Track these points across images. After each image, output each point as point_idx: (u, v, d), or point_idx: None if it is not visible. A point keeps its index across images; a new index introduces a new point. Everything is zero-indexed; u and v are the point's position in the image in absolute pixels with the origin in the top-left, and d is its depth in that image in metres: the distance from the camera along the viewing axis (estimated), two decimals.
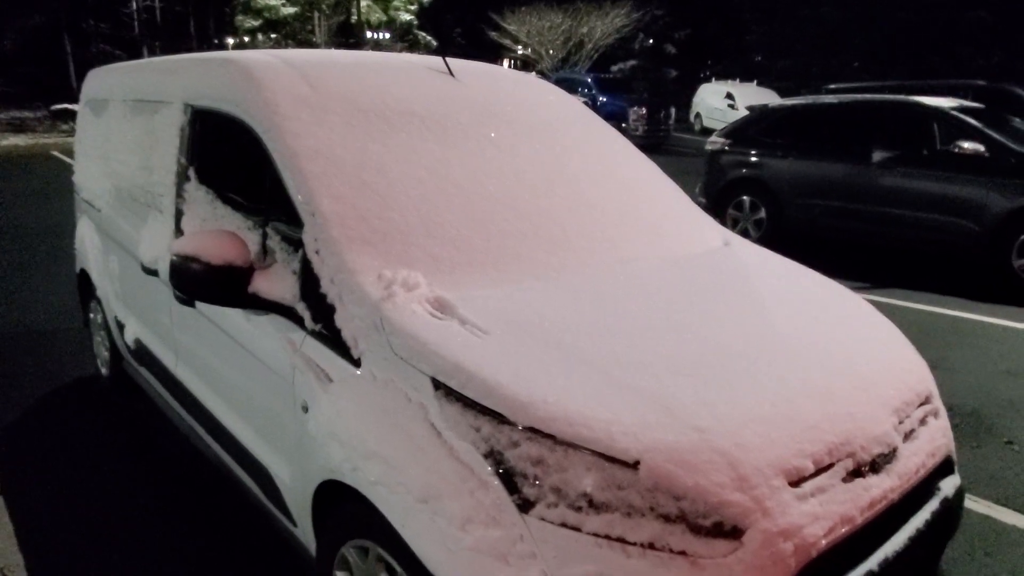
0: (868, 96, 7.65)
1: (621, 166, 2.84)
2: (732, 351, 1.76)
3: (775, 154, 7.33)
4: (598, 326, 1.79)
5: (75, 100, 15.97)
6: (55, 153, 13.97)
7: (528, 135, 2.58)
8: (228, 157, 2.44)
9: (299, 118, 2.13)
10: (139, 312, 3.08)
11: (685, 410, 1.50)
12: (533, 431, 1.43)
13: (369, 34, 27.93)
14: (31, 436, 3.36)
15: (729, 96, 20.98)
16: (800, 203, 7.13)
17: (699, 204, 4.01)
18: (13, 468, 3.08)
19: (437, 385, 1.55)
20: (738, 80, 23.21)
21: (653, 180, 2.89)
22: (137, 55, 22.96)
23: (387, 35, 28.77)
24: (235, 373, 2.29)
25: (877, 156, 6.60)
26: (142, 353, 3.08)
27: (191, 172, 2.54)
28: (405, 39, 30.43)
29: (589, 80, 22.74)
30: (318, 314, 1.84)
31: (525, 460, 1.42)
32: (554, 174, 2.50)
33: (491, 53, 32.88)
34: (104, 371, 3.77)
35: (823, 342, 1.94)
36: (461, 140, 2.36)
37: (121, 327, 3.28)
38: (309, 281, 1.88)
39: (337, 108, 2.23)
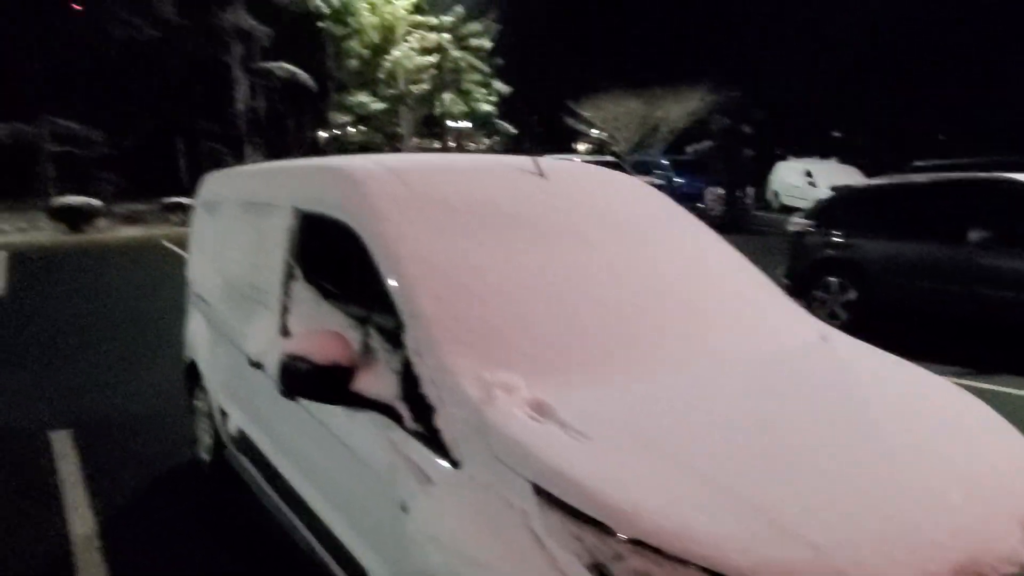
0: (961, 175, 7.40)
1: (710, 258, 2.84)
2: (840, 457, 1.69)
3: (865, 235, 7.13)
4: (697, 428, 1.76)
5: (184, 194, 17.27)
6: (165, 243, 15.11)
7: (617, 231, 2.63)
8: (332, 258, 2.59)
9: (399, 222, 2.26)
10: (242, 403, 3.23)
11: (795, 523, 1.44)
12: (639, 543, 1.40)
13: (451, 124, 29.31)
14: (136, 518, 3.52)
15: (808, 174, 20.71)
16: (893, 284, 6.85)
17: (783, 286, 3.93)
18: (119, 548, 3.21)
19: (539, 491, 1.55)
20: (817, 157, 22.94)
21: (743, 271, 2.87)
22: (240, 152, 24.88)
23: (468, 124, 30.10)
24: (334, 467, 2.35)
25: (974, 235, 6.31)
26: (243, 442, 3.21)
27: (297, 272, 2.71)
28: (485, 128, 31.71)
29: (664, 162, 23.01)
30: (418, 414, 1.89)
31: (631, 574, 1.38)
32: (644, 270, 2.53)
33: (566, 138, 33.89)
34: (206, 458, 3.93)
35: (938, 447, 1.83)
36: (552, 238, 2.43)
37: (225, 416, 3.44)
38: (410, 381, 1.94)
39: (434, 212, 2.35)
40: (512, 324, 2.03)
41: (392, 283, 2.09)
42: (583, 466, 1.55)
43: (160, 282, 10.55)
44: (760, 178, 22.97)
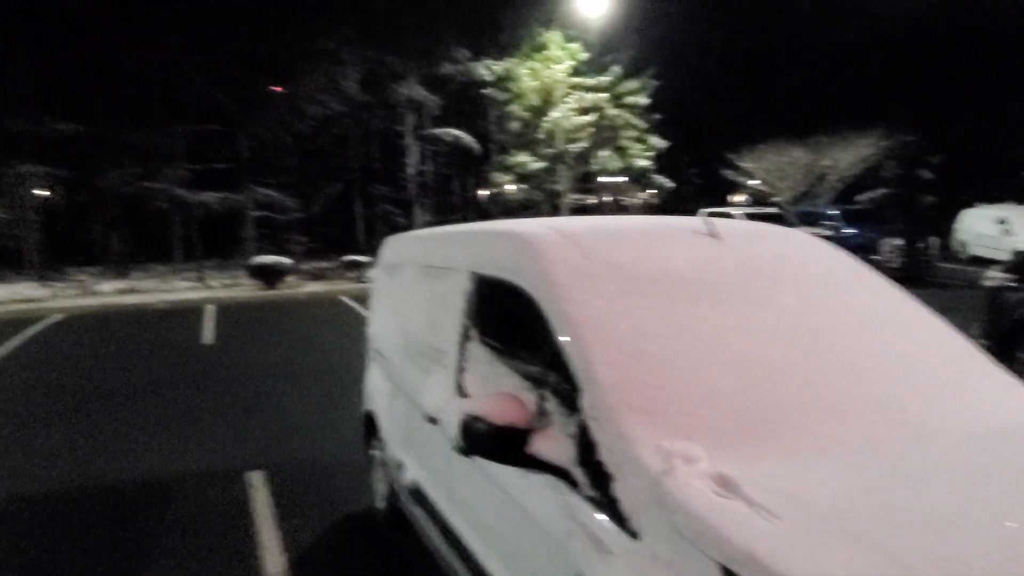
0: None
1: (902, 320, 2.61)
2: None
3: None
4: (900, 514, 1.59)
5: (360, 253, 18.75)
6: (342, 298, 16.41)
7: (799, 295, 2.50)
8: (508, 321, 2.68)
9: (575, 286, 2.30)
10: (417, 456, 3.38)
11: None
12: None
13: (607, 179, 29.60)
14: (320, 558, 3.75)
15: (1002, 221, 18.54)
16: None
17: (980, 346, 3.48)
18: None
19: (727, 573, 1.47)
20: (1012, 203, 20.48)
21: (940, 333, 2.60)
22: (410, 212, 26.71)
23: (624, 179, 30.26)
24: (507, 527, 2.38)
25: None
26: (417, 494, 3.34)
27: (473, 332, 2.83)
28: (641, 182, 31.71)
29: (833, 212, 21.65)
30: (595, 481, 1.88)
31: None
32: (830, 334, 2.37)
33: (724, 190, 32.98)
34: (381, 505, 4.14)
35: None
36: (730, 303, 2.36)
37: (400, 468, 3.61)
38: (586, 446, 1.93)
39: (609, 275, 2.37)
40: (691, 392, 1.98)
41: (568, 347, 2.12)
42: (776, 551, 1.45)
43: (339, 334, 11.43)
44: (942, 227, 20.90)
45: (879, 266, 3.63)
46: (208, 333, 11.99)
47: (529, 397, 2.26)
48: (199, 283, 20.24)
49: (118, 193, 24.00)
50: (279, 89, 24.31)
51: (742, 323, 2.27)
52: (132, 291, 18.80)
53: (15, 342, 11.42)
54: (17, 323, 13.48)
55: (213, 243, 25.50)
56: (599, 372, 1.98)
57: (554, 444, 2.06)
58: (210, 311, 14.59)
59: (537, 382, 2.30)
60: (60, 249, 25.70)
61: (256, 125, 23.77)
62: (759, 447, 1.85)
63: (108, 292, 18.70)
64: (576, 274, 2.34)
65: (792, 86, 33.35)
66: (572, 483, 1.96)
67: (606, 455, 1.85)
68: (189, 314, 14.32)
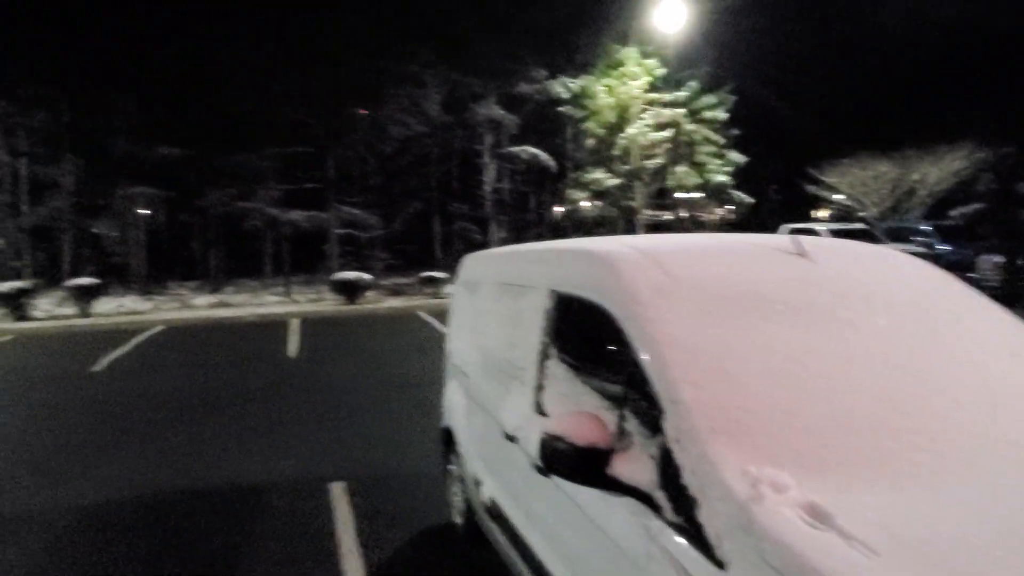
0: None
1: (1008, 345, 2.44)
2: None
3: None
4: (1011, 554, 1.48)
5: (437, 269, 19.16)
6: (420, 313, 16.74)
7: (895, 317, 2.38)
8: (588, 339, 2.67)
9: (657, 306, 2.27)
10: (495, 473, 3.40)
11: None
12: None
13: (683, 195, 29.14)
14: (393, 571, 3.81)
15: None
16: None
17: None
18: None
19: None
20: None
21: None
22: (486, 229, 27.07)
23: (701, 195, 29.72)
24: (586, 548, 2.36)
25: None
26: (495, 513, 3.35)
27: (552, 351, 2.83)
28: (718, 198, 31.07)
29: (925, 228, 20.57)
30: (678, 505, 1.84)
31: None
32: (930, 360, 2.24)
33: (806, 205, 31.82)
34: (458, 520, 4.17)
35: None
36: (819, 324, 2.27)
37: (478, 484, 3.64)
38: (668, 470, 1.90)
39: (692, 295, 2.33)
40: (779, 416, 1.91)
41: (650, 368, 2.09)
42: None
43: (417, 348, 11.66)
44: None
45: (978, 285, 3.41)
46: (293, 346, 12.47)
47: (609, 417, 2.24)
48: (286, 297, 21.11)
49: (216, 212, 25.42)
50: (365, 112, 25.23)
51: (833, 345, 2.18)
52: (225, 305, 19.80)
53: (121, 351, 12.22)
54: (124, 333, 14.42)
55: (300, 259, 26.59)
56: (682, 393, 1.94)
57: (635, 466, 2.03)
58: (295, 325, 15.18)
59: (617, 402, 2.28)
60: (162, 265, 27.40)
61: (342, 146, 24.74)
62: (852, 476, 1.77)
63: (203, 305, 19.76)
64: (658, 293, 2.31)
65: (876, 98, 31.99)
66: (654, 507, 1.93)
67: (690, 479, 1.81)
68: (276, 327, 14.94)
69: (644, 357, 2.13)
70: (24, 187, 24.83)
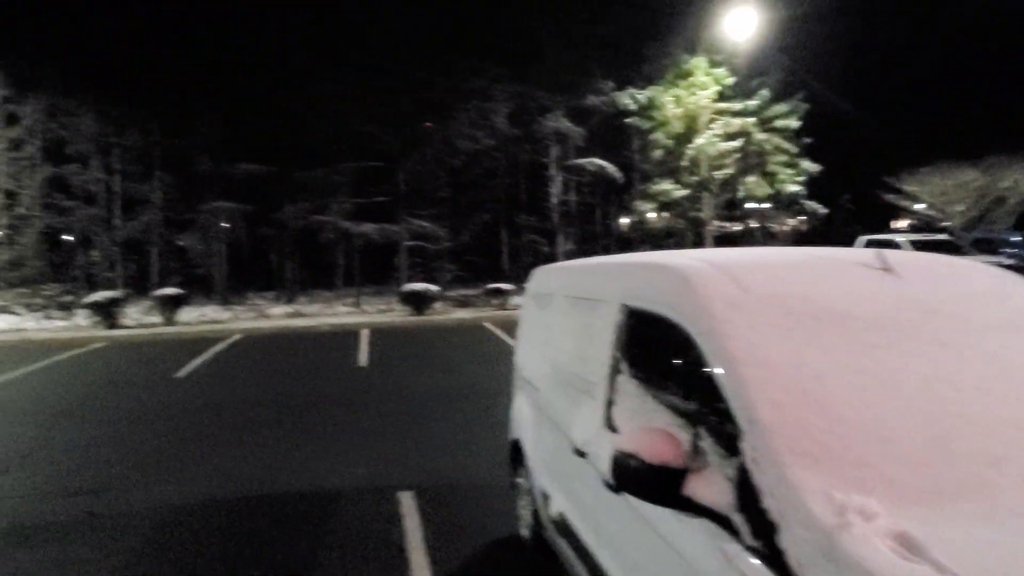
0: None
1: None
2: None
3: None
4: None
5: (504, 281, 19.29)
6: (486, 324, 16.87)
7: (989, 335, 2.25)
8: (660, 355, 2.62)
9: (732, 322, 2.21)
10: (564, 487, 3.37)
11: None
12: None
13: (753, 205, 28.45)
14: None
15: None
16: None
17: None
18: None
19: None
20: None
21: None
22: (553, 241, 27.08)
23: (769, 205, 28.94)
24: (657, 568, 2.31)
25: None
26: (564, 528, 3.33)
27: (623, 366, 2.80)
28: (791, 209, 30.18)
29: (1016, 239, 19.42)
30: (757, 529, 1.78)
31: None
32: None
33: (883, 215, 30.46)
34: (525, 534, 4.16)
35: None
36: (908, 343, 2.17)
37: (546, 498, 3.62)
38: (746, 492, 1.84)
39: (769, 311, 2.26)
40: (865, 440, 1.83)
41: (726, 386, 2.04)
42: None
43: (484, 360, 11.74)
44: None
45: None
46: (363, 356, 12.77)
47: (683, 435, 2.20)
48: (356, 308, 21.65)
49: (293, 226, 26.38)
50: (434, 126, 25.73)
51: (923, 366, 2.07)
52: (299, 315, 20.46)
53: (203, 358, 12.79)
54: (205, 341, 15.10)
55: (370, 271, 27.25)
56: (761, 413, 1.88)
57: (711, 487, 1.98)
58: (365, 335, 15.53)
59: (691, 420, 2.23)
60: (241, 276, 28.59)
61: (413, 160, 25.29)
62: (946, 506, 1.67)
63: (279, 315, 20.48)
64: (733, 309, 2.25)
65: (957, 103, 30.42)
66: (731, 529, 1.87)
67: (770, 503, 1.75)
68: (347, 337, 15.33)
69: (720, 375, 2.08)
70: (118, 203, 26.42)
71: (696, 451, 2.13)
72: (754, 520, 1.79)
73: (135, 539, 4.64)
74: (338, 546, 4.45)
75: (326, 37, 24.67)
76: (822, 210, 27.59)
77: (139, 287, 25.18)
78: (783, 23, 23.67)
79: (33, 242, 24.42)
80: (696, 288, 2.38)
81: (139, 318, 19.42)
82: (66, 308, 21.15)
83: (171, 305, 18.90)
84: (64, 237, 28.12)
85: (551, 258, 24.53)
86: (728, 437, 1.99)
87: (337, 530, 4.71)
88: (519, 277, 24.92)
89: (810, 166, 25.81)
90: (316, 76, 23.73)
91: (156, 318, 19.17)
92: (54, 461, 6.52)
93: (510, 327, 15.46)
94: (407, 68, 24.02)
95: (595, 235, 31.87)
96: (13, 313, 20.46)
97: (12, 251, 23.15)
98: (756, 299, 2.31)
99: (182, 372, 11.41)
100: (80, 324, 19.00)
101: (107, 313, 18.09)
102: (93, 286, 24.44)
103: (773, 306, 2.28)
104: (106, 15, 26.01)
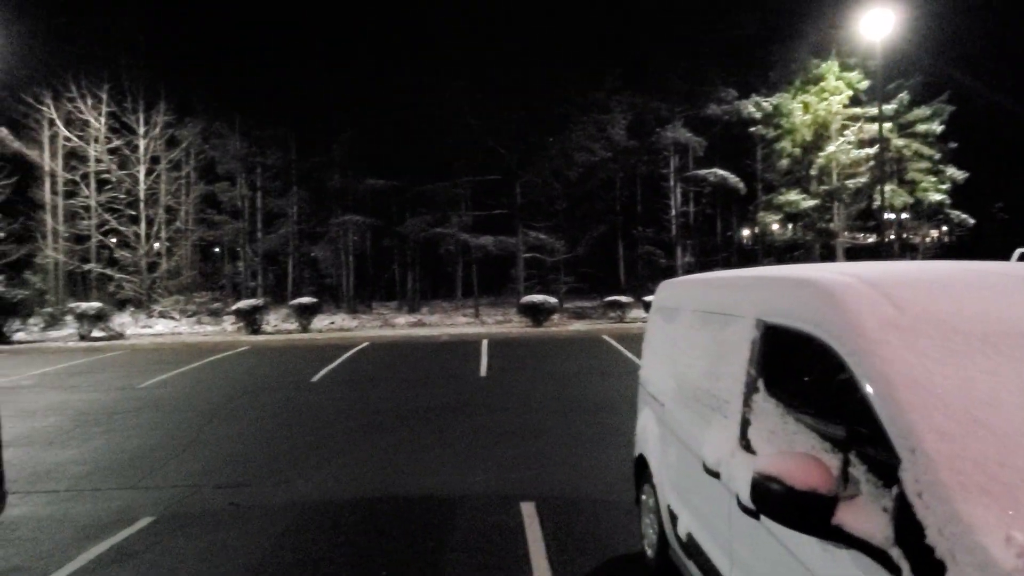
0: None
1: None
2: None
3: None
4: None
5: (622, 293, 19.10)
6: (604, 337, 16.74)
7: None
8: (802, 374, 2.50)
9: (888, 342, 2.07)
10: (694, 508, 3.27)
11: None
12: None
13: (891, 216, 26.55)
14: None
15: None
16: None
17: None
18: None
19: None
20: None
21: None
22: (671, 254, 26.52)
23: (909, 216, 26.88)
24: None
25: None
26: (692, 548, 3.23)
27: (760, 384, 2.68)
28: (933, 219, 27.93)
29: None
30: (920, 567, 1.65)
31: None
32: None
33: None
34: (649, 553, 4.07)
35: None
36: None
37: (673, 518, 3.53)
38: (907, 526, 1.71)
39: (931, 331, 2.09)
40: None
41: (882, 411, 1.90)
42: None
43: (603, 373, 11.65)
44: None
45: None
46: (483, 366, 13.02)
47: (831, 460, 2.08)
48: (475, 319, 22.14)
49: (415, 238, 27.49)
50: (552, 139, 26.00)
51: None
52: (421, 324, 21.21)
53: (334, 364, 13.54)
54: (336, 348, 15.98)
55: (487, 282, 27.83)
56: (925, 442, 1.75)
57: (865, 517, 1.85)
58: (484, 345, 15.84)
59: (839, 445, 2.11)
60: (367, 286, 30.06)
61: (530, 173, 25.65)
62: None
63: (403, 324, 21.33)
64: (889, 328, 2.11)
65: None
66: (888, 565, 1.75)
67: (936, 539, 1.62)
68: (466, 347, 15.71)
69: (874, 398, 1.95)
70: (259, 217, 28.59)
71: (846, 478, 2.01)
72: (917, 557, 1.66)
73: (273, 531, 4.96)
74: (462, 551, 4.55)
75: (446, 55, 25.58)
76: (969, 220, 25.34)
77: (276, 295, 27.08)
78: (925, 20, 22.00)
79: (188, 253, 26.88)
80: (846, 305, 2.25)
81: (277, 324, 20.85)
82: (215, 314, 23.09)
83: (305, 313, 20.16)
84: (213, 249, 30.78)
85: (669, 271, 24.04)
86: (883, 465, 1.86)
87: (460, 535, 4.81)
88: (635, 290, 24.60)
89: (956, 173, 23.83)
90: (439, 92, 24.64)
91: (292, 325, 20.50)
92: (205, 455, 7.11)
93: (629, 340, 15.27)
94: (525, 82, 24.43)
95: (715, 247, 30.89)
96: (171, 318, 22.59)
97: (171, 262, 25.57)
98: (913, 318, 2.15)
99: (316, 377, 12.13)
100: (227, 329, 20.67)
101: (250, 319, 19.56)
102: (237, 294, 26.54)
103: (933, 325, 2.11)
104: (250, 46, 28.35)
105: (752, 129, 25.38)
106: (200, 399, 10.30)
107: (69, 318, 20.38)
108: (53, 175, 24.73)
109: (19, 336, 19.71)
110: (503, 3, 27.25)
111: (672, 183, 26.92)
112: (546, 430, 7.76)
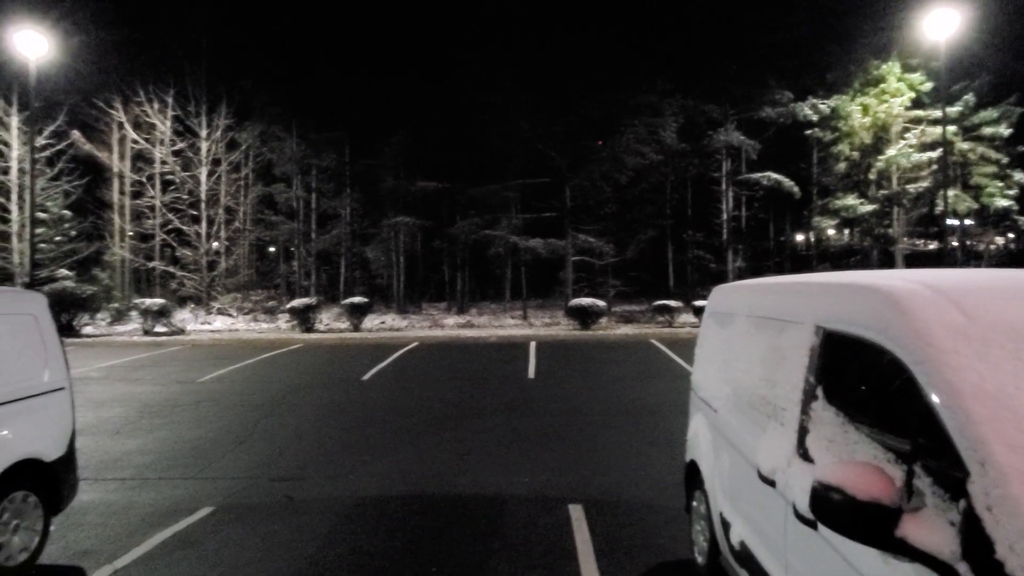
0: None
1: None
2: None
3: None
4: None
5: (671, 297, 18.91)
6: (653, 341, 16.59)
7: None
8: (863, 382, 2.45)
9: (956, 351, 2.02)
10: (747, 515, 3.23)
11: None
12: None
13: (954, 222, 25.58)
14: None
15: None
16: None
17: None
18: None
19: None
20: None
21: None
22: (722, 259, 26.07)
23: (973, 222, 25.84)
24: None
25: None
26: (745, 557, 3.19)
27: (819, 391, 2.64)
28: (999, 226, 26.81)
29: None
30: None
31: None
32: None
33: None
34: (700, 560, 4.03)
35: None
36: None
37: (726, 525, 3.49)
38: (976, 540, 1.67)
39: (1002, 340, 2.03)
40: None
41: (949, 421, 1.86)
42: None
43: (652, 377, 11.55)
44: None
45: None
46: (531, 367, 13.06)
47: (894, 471, 2.04)
48: (523, 321, 22.20)
49: (464, 240, 27.73)
50: (602, 143, 25.90)
51: None
52: (470, 325, 21.38)
53: (384, 363, 13.76)
54: (386, 347, 16.24)
55: (536, 284, 27.86)
56: (996, 455, 1.70)
57: (930, 530, 1.81)
58: (532, 347, 15.87)
59: (902, 456, 2.06)
60: (417, 287, 30.45)
61: (580, 176, 25.60)
62: None
63: (451, 325, 21.53)
64: (957, 337, 2.06)
65: None
66: None
67: (1006, 555, 1.58)
68: (515, 348, 15.76)
69: (942, 409, 1.91)
70: (313, 217, 29.28)
71: (909, 490, 1.97)
72: (985, 573, 1.62)
73: (326, 524, 5.09)
74: (510, 550, 4.58)
75: (498, 59, 25.74)
76: None
77: (328, 295, 27.67)
78: (992, 18, 21.13)
79: (245, 252, 27.72)
80: (912, 313, 2.20)
81: (330, 323, 21.31)
82: (270, 312, 23.75)
83: (357, 312, 20.55)
84: (269, 248, 31.64)
85: (720, 275, 23.65)
86: (949, 478, 1.82)
87: (508, 535, 4.84)
88: (686, 294, 24.28)
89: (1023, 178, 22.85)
90: (488, 96, 24.81)
91: (344, 323, 20.92)
92: (260, 448, 7.33)
93: (678, 345, 15.10)
94: (576, 86, 24.40)
95: (767, 252, 30.27)
96: (228, 315, 23.32)
97: (229, 260, 26.40)
98: (984, 326, 2.09)
99: (367, 375, 12.36)
100: (281, 327, 21.22)
101: (304, 318, 20.04)
102: (291, 293, 27.21)
103: (1004, 334, 2.06)
104: (306, 52, 29.06)
105: (808, 132, 24.79)
106: (256, 394, 10.61)
107: (134, 313, 21.26)
108: (121, 176, 25.86)
109: (88, 330, 20.65)
110: (554, 8, 27.30)
111: (724, 187, 26.48)
112: (594, 433, 7.74)
